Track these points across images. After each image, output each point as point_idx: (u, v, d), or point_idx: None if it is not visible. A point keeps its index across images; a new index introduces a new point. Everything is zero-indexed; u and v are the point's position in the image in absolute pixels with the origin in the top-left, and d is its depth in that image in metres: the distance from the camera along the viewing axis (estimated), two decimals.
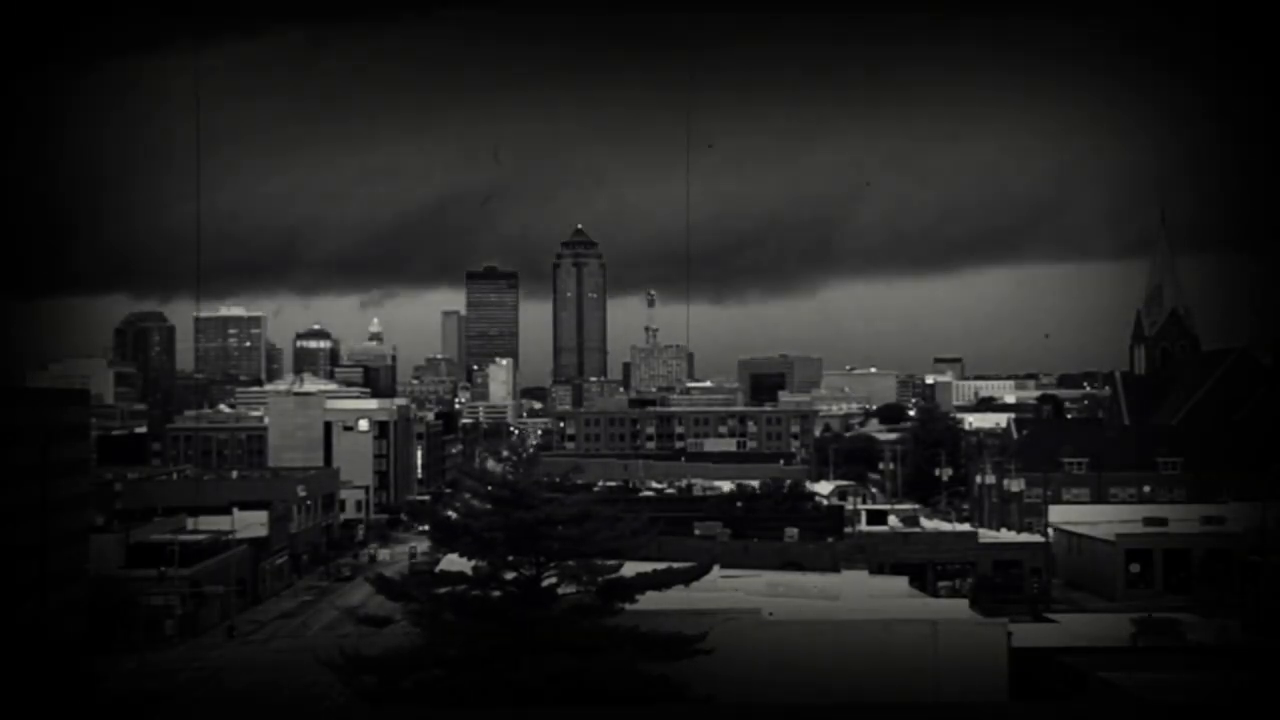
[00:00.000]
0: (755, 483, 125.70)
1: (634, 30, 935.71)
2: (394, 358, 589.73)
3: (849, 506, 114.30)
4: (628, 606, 43.05)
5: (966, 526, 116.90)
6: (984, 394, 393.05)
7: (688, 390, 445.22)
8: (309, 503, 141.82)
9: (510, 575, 43.33)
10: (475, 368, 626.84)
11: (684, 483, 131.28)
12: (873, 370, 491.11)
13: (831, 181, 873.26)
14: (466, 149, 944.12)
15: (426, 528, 62.99)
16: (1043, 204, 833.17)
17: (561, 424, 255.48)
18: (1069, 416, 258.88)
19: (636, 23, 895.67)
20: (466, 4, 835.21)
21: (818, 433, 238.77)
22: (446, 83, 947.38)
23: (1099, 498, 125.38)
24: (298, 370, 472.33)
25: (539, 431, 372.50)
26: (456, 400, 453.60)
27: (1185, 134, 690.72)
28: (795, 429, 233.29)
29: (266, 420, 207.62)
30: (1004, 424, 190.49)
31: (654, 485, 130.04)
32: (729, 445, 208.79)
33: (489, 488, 46.35)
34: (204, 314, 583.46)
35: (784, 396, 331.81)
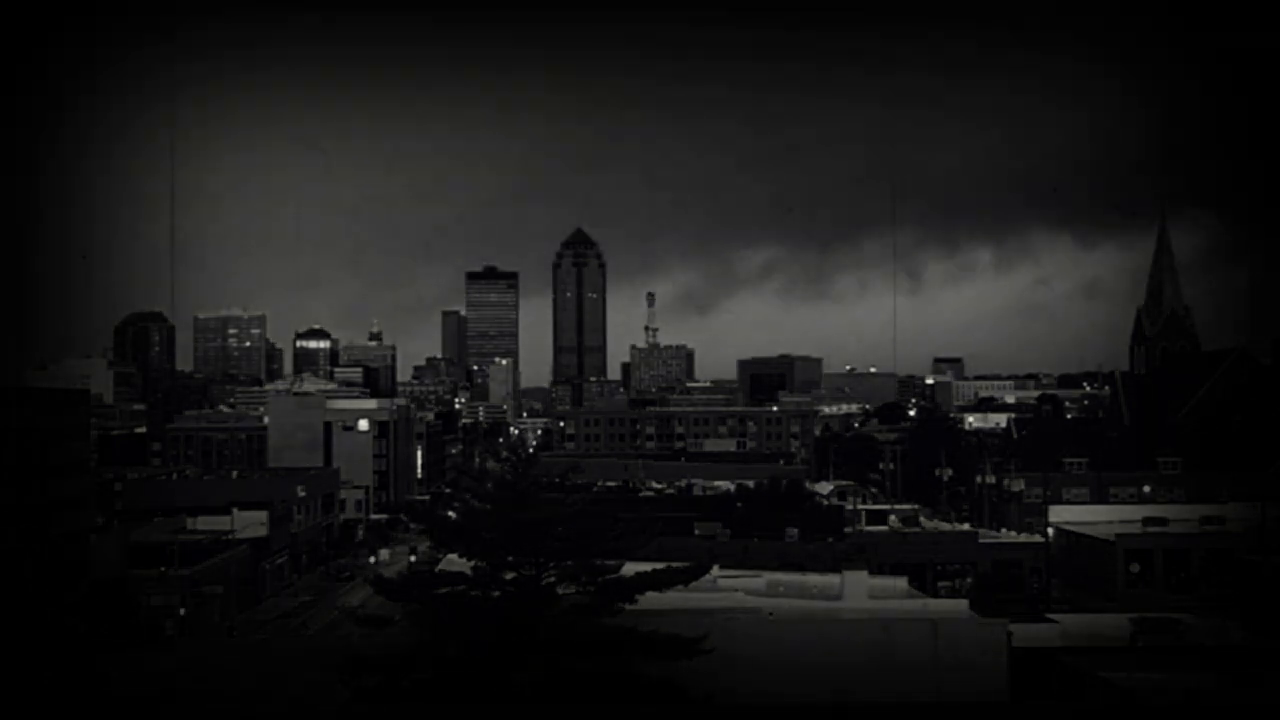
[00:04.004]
0: (755, 483, 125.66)
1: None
2: (394, 358, 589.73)
3: (849, 506, 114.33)
4: (627, 606, 43.03)
5: (966, 526, 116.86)
6: (984, 394, 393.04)
7: (688, 390, 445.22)
8: (309, 503, 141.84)
9: (510, 575, 43.31)
10: (475, 368, 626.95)
11: (684, 483, 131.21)
12: (873, 370, 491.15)
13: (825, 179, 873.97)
14: None
15: (426, 528, 63.03)
16: (1042, 203, 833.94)
17: (561, 424, 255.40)
18: (1069, 416, 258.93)
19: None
20: None
21: (818, 433, 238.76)
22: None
23: (1099, 498, 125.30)
24: (298, 370, 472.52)
25: (538, 431, 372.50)
26: (456, 400, 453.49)
27: (1185, 133, 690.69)
28: (795, 429, 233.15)
29: (266, 420, 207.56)
30: (1004, 424, 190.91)
31: (654, 485, 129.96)
32: (729, 445, 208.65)
33: (489, 488, 46.34)
34: (204, 314, 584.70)
35: (784, 396, 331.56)
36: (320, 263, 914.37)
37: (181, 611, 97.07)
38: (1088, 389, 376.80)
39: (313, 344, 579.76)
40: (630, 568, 44.80)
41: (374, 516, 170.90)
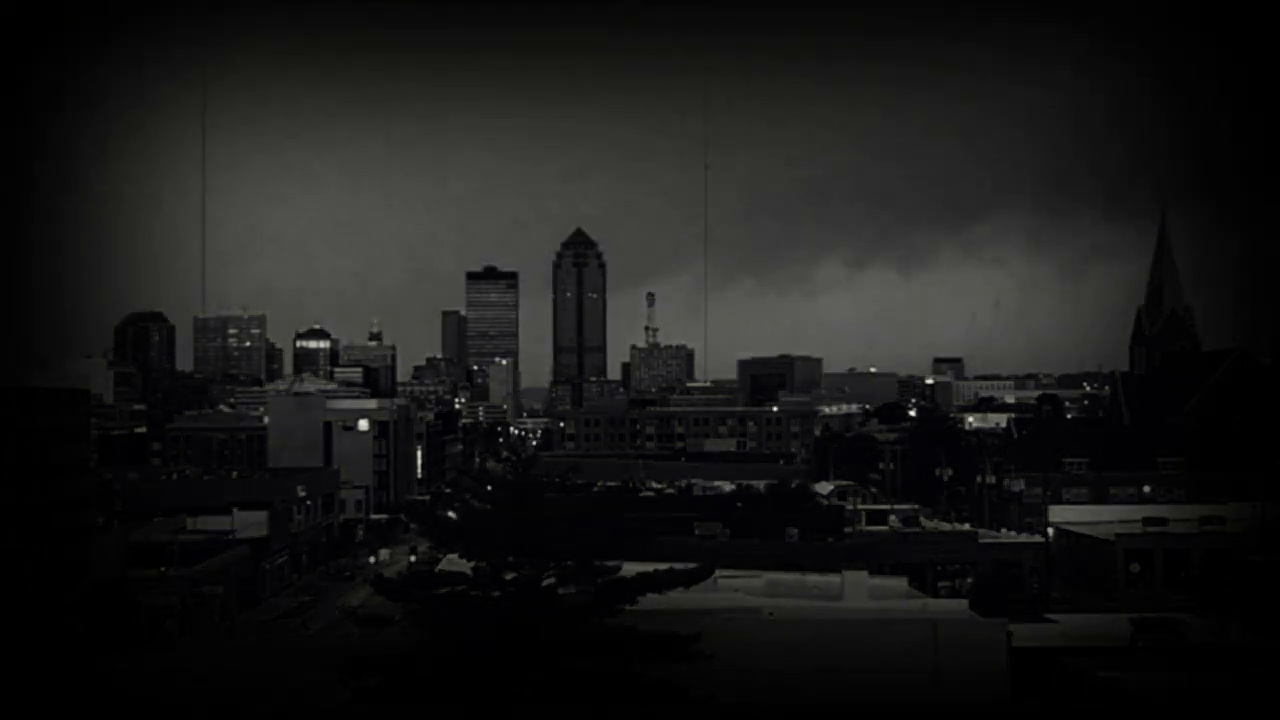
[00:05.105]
0: (757, 484, 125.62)
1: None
2: (394, 358, 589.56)
3: (849, 506, 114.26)
4: (628, 607, 43.00)
5: (966, 526, 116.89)
6: (984, 394, 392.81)
7: (688, 390, 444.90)
8: (309, 503, 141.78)
9: (510, 575, 43.29)
10: (475, 368, 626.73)
11: (684, 483, 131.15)
12: (873, 370, 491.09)
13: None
14: None
15: (426, 528, 63.11)
16: (1042, 200, 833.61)
17: (561, 424, 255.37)
18: (1069, 416, 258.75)
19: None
20: None
21: (818, 433, 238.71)
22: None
23: (1099, 498, 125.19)
24: (298, 370, 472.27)
25: (538, 432, 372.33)
26: (456, 400, 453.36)
27: (1186, 132, 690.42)
28: (795, 429, 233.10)
29: (266, 420, 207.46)
30: (1004, 424, 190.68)
31: (654, 485, 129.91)
32: (729, 445, 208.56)
33: (488, 488, 46.32)
34: (204, 314, 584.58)
35: (784, 396, 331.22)
36: (325, 263, 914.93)
37: (179, 611, 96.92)
38: (1088, 389, 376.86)
39: (313, 344, 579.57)
40: (631, 568, 44.78)
41: (374, 516, 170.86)
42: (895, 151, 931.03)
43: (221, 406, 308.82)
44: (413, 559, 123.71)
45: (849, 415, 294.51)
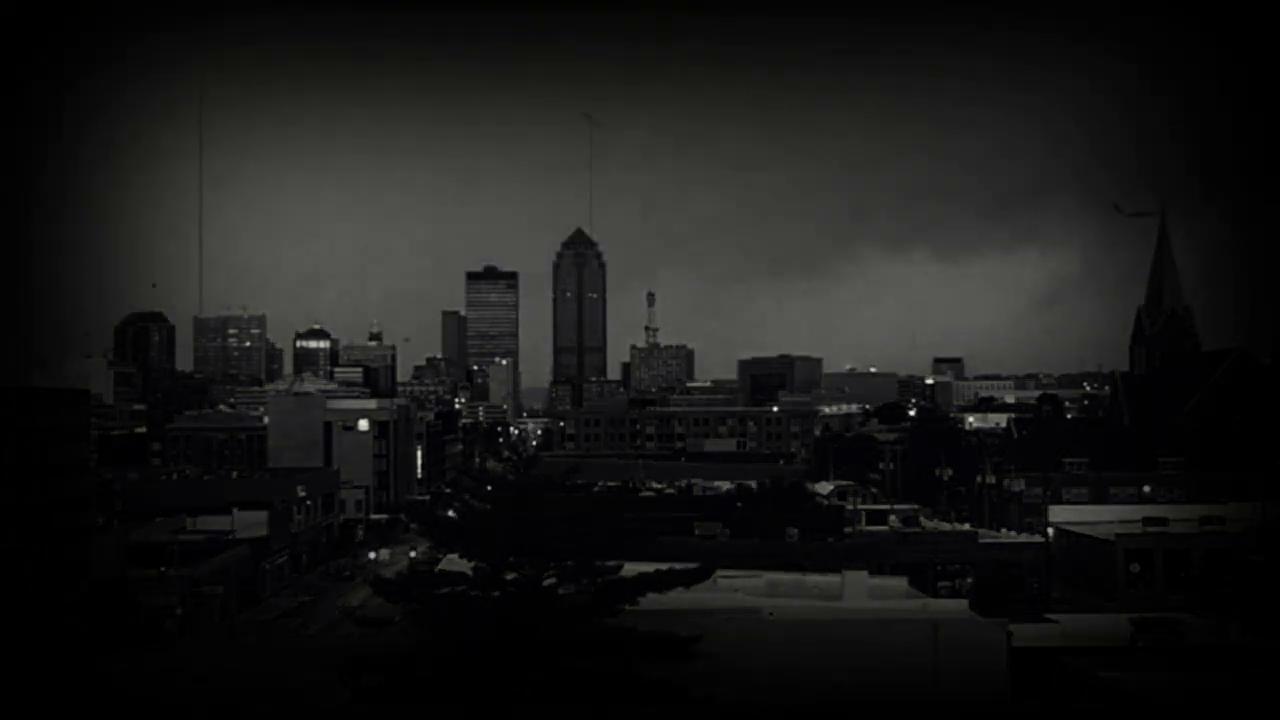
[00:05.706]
0: (755, 483, 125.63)
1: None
2: (394, 358, 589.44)
3: (849, 506, 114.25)
4: (628, 607, 42.96)
5: (966, 526, 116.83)
6: (984, 394, 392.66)
7: (688, 390, 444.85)
8: (309, 503, 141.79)
9: (510, 575, 43.25)
10: (475, 368, 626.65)
11: (684, 483, 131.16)
12: (873, 370, 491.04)
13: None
14: None
15: (426, 528, 63.09)
16: (1042, 200, 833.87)
17: (561, 424, 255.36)
18: (1069, 416, 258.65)
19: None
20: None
21: (818, 433, 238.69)
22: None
23: (1099, 498, 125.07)
24: (298, 370, 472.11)
25: (538, 432, 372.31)
26: (456, 400, 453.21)
27: (1187, 130, 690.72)
28: (795, 429, 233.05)
29: (266, 420, 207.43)
30: (1004, 424, 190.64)
31: (654, 485, 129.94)
32: (729, 445, 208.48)
33: (488, 488, 46.28)
34: (204, 314, 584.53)
35: (784, 396, 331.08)
36: (325, 263, 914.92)
37: (178, 611, 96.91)
38: (1088, 389, 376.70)
39: (313, 344, 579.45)
40: (631, 568, 44.73)
41: (374, 516, 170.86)
42: (896, 158, 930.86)
43: (221, 406, 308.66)
44: (413, 554, 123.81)
45: (849, 415, 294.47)
